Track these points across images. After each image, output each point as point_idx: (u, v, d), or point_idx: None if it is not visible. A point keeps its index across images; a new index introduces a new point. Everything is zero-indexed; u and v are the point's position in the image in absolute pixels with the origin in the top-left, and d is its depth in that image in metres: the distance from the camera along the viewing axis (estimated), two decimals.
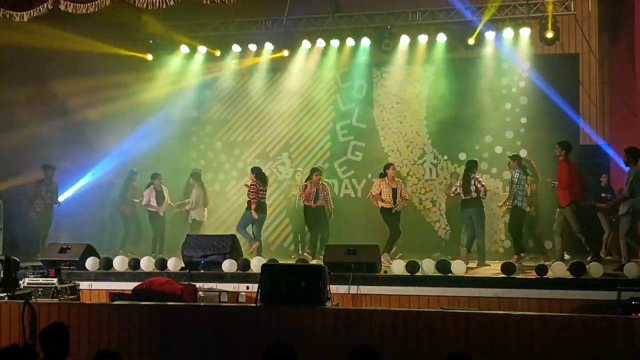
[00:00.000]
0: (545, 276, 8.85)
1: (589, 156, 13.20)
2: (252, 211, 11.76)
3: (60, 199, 12.99)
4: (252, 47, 14.72)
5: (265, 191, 12.14)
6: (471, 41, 13.57)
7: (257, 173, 12.06)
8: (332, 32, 14.27)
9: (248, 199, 11.97)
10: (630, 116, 12.27)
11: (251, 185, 11.95)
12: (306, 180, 12.22)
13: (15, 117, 12.94)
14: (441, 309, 7.98)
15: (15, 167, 12.89)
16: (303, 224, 12.74)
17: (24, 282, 8.83)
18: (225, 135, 15.50)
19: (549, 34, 13.01)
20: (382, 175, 11.77)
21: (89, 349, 6.92)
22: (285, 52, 14.63)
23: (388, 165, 11.92)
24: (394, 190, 11.57)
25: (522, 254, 10.96)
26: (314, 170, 12.26)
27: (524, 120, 13.90)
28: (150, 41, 14.93)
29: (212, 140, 15.53)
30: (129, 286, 9.21)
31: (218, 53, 14.92)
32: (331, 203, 12.33)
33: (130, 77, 14.63)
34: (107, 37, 13.54)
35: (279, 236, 14.78)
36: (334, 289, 8.04)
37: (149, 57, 15.00)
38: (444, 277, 9.13)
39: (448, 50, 14.02)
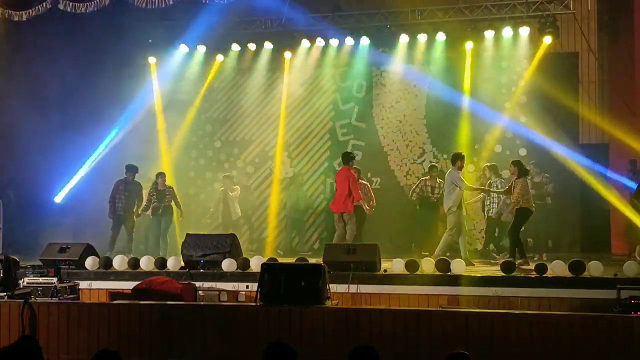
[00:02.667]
0: (544, 275, 8.85)
1: (588, 155, 13.21)
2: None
3: (58, 198, 12.97)
4: (252, 46, 14.73)
5: None
6: (469, 45, 13.64)
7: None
8: (332, 31, 14.27)
9: (167, 204, 12.30)
10: (629, 115, 12.28)
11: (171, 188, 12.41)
12: None
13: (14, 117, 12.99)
14: (441, 308, 7.98)
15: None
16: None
17: (23, 282, 8.81)
18: (225, 134, 15.50)
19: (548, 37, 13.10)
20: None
21: (89, 348, 6.94)
22: (287, 54, 14.64)
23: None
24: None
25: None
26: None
27: (523, 119, 13.90)
28: (149, 40, 14.91)
29: (212, 140, 15.53)
30: (128, 285, 9.21)
31: (218, 51, 14.93)
32: (373, 200, 12.33)
33: (129, 77, 14.65)
34: (105, 36, 13.54)
35: (279, 235, 14.77)
36: (333, 288, 8.03)
37: (150, 59, 15.01)
38: (444, 276, 9.12)
39: (447, 49, 14.02)
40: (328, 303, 7.47)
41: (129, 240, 12.21)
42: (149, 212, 12.42)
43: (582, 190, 12.94)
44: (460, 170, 11.04)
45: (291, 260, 10.28)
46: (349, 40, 14.30)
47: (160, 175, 12.55)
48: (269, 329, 7.06)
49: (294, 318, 7.11)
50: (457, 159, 11.04)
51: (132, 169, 12.35)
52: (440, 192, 12.04)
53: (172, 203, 12.41)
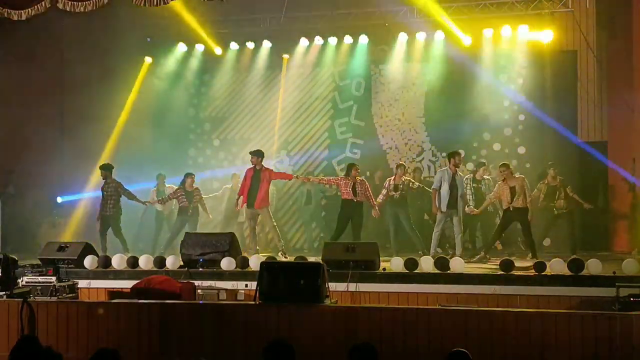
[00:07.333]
0: (543, 273, 8.86)
1: (587, 153, 13.22)
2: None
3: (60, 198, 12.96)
4: (250, 44, 14.73)
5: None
6: (468, 41, 13.63)
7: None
8: (330, 29, 14.27)
9: (195, 204, 12.32)
10: (628, 113, 12.28)
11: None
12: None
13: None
14: (440, 306, 7.98)
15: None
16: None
17: (22, 281, 8.79)
18: (223, 133, 15.49)
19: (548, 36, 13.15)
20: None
21: (88, 347, 6.94)
22: (286, 53, 14.64)
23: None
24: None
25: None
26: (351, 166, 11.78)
27: (522, 117, 13.90)
28: (148, 39, 14.91)
29: (210, 138, 15.53)
30: (127, 284, 9.19)
31: (217, 50, 14.93)
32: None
33: (128, 75, 14.63)
34: (104, 35, 13.52)
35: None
36: (332, 286, 8.02)
37: (147, 59, 15.00)
38: (443, 274, 9.12)
39: (446, 47, 14.01)
40: (327, 302, 7.46)
41: (121, 241, 11.87)
42: (160, 206, 12.63)
43: (581, 188, 12.93)
44: (457, 167, 11.05)
45: (290, 258, 10.28)
46: (348, 39, 14.31)
47: (189, 175, 12.41)
48: (268, 328, 7.06)
49: (293, 317, 7.12)
50: (450, 157, 11.08)
51: (105, 168, 12.09)
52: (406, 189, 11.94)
53: (199, 204, 12.36)
